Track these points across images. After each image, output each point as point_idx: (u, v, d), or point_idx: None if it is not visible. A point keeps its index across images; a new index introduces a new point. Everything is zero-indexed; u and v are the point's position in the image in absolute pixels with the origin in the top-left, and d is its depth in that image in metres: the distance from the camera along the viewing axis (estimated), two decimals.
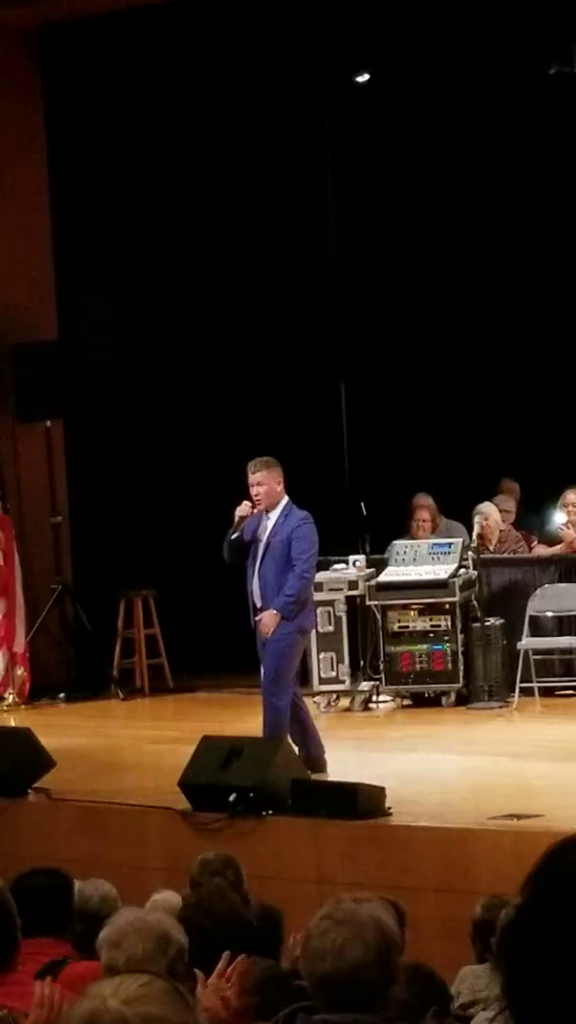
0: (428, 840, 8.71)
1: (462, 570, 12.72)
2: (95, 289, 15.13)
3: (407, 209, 15.12)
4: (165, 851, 9.31)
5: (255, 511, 10.29)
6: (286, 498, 10.36)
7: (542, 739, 11.19)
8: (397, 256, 15.29)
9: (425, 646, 12.60)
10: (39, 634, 14.29)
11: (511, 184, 14.74)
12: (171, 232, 15.21)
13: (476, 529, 12.99)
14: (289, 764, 9.57)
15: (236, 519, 10.32)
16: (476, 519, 13.06)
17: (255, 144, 14.89)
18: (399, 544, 13.13)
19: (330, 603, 12.75)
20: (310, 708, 10.97)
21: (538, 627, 12.59)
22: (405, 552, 13.00)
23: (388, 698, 12.86)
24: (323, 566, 12.12)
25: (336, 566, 12.93)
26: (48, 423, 14.44)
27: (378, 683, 12.75)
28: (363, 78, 14.38)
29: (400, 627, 12.66)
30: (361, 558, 13.00)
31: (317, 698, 12.65)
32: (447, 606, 12.56)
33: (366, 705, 12.80)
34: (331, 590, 12.76)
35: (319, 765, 10.24)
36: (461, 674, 12.49)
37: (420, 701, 12.75)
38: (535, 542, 13.63)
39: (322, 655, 12.72)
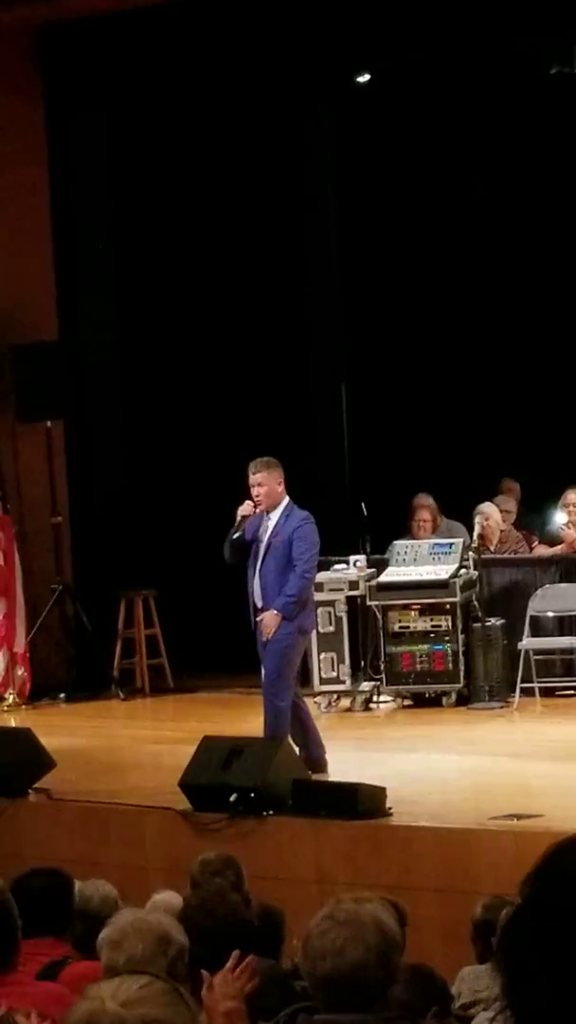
0: (428, 840, 8.71)
1: (463, 570, 12.72)
2: (95, 289, 15.12)
3: (407, 209, 15.12)
4: (165, 851, 9.31)
5: (256, 511, 10.29)
6: (287, 498, 10.35)
7: (542, 739, 11.19)
8: (397, 256, 15.29)
9: (426, 646, 12.59)
10: (39, 634, 14.29)
11: (511, 184, 14.74)
12: (171, 232, 15.21)
13: (477, 529, 12.99)
14: (290, 764, 9.57)
15: (238, 518, 10.31)
16: (477, 519, 13.06)
17: (255, 144, 14.89)
18: (400, 544, 13.13)
19: (331, 603, 12.75)
20: (311, 708, 10.97)
21: (539, 627, 12.59)
22: (406, 552, 12.99)
23: (389, 698, 12.85)
24: (324, 566, 12.12)
25: (337, 566, 12.93)
26: (48, 423, 14.44)
27: (379, 683, 12.75)
28: (363, 78, 14.38)
29: (401, 627, 12.66)
30: (362, 558, 13.00)
31: (318, 698, 12.65)
32: (448, 606, 12.56)
33: (367, 705, 12.80)
34: (332, 590, 12.76)
35: (320, 765, 10.24)
36: (462, 674, 12.48)
37: (421, 701, 12.75)
38: (536, 542, 13.63)
39: (323, 655, 12.72)
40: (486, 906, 6.54)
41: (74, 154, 15.03)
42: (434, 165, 14.92)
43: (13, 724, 12.55)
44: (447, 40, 13.51)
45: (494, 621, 12.54)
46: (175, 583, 14.37)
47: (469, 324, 15.06)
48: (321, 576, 12.04)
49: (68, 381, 14.46)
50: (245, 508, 10.30)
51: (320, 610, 12.25)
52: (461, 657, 12.49)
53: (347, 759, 10.71)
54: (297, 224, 15.41)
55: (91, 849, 9.53)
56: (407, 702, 12.81)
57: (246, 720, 11.45)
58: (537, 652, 12.37)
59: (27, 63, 14.78)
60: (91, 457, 15.13)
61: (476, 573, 12.73)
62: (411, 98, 14.52)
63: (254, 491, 10.26)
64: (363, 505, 13.29)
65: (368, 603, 12.75)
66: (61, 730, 12.16)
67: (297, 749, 10.01)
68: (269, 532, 10.24)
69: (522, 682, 12.22)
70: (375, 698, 12.82)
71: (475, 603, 12.62)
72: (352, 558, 13.00)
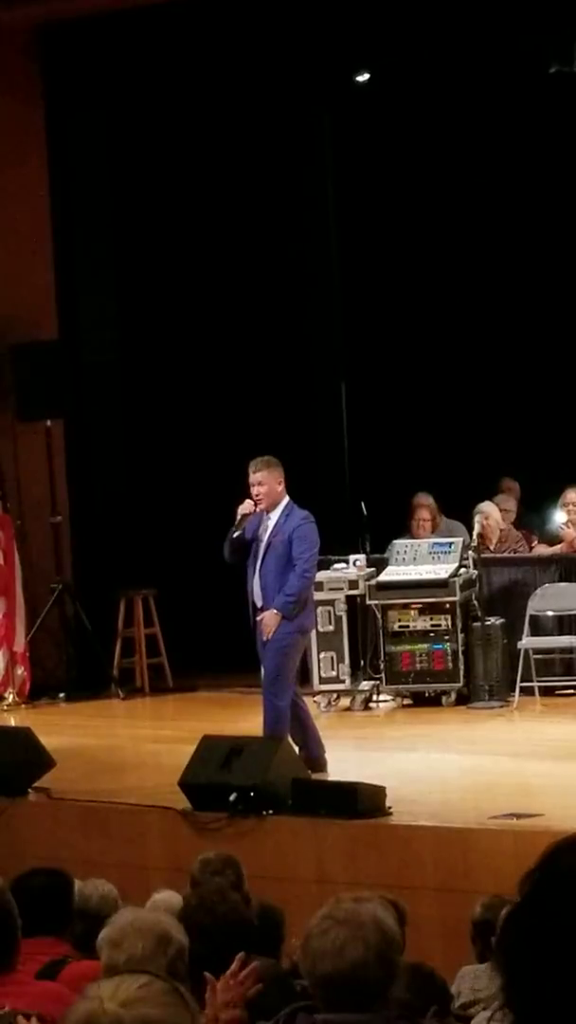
0: (428, 839, 8.72)
1: (462, 569, 12.72)
2: (95, 289, 15.12)
3: (407, 208, 15.12)
4: (165, 851, 9.31)
5: (256, 510, 10.29)
6: (287, 498, 10.35)
7: (542, 738, 11.19)
8: (397, 255, 15.29)
9: (425, 645, 12.60)
10: (39, 634, 14.29)
11: (511, 184, 14.73)
12: (171, 231, 15.21)
13: (476, 528, 12.99)
14: (289, 764, 9.57)
15: (238, 517, 10.32)
16: (476, 518, 13.06)
17: (255, 143, 14.89)
18: (399, 543, 13.13)
19: (330, 602, 12.75)
20: (310, 707, 10.97)
21: (538, 626, 12.59)
22: (405, 551, 13.00)
23: (388, 697, 12.85)
24: (323, 565, 12.12)
25: (336, 565, 12.93)
26: (48, 423, 14.44)
27: (378, 682, 12.75)
28: (363, 77, 14.39)
29: (400, 626, 12.66)
30: (361, 557, 13.01)
31: (317, 697, 12.65)
32: (447, 605, 12.56)
33: (366, 704, 12.80)
34: (331, 589, 12.76)
35: (319, 764, 10.24)
36: (461, 673, 12.49)
37: (420, 700, 12.75)
38: (535, 541, 13.63)
39: (322, 654, 12.73)
40: (486, 905, 6.55)
41: (74, 154, 15.03)
42: (434, 164, 14.92)
43: (13, 723, 12.55)
44: (447, 39, 13.51)
45: (494, 620, 12.54)
46: (175, 582, 14.37)
47: (469, 324, 15.06)
48: (321, 575, 12.04)
49: (68, 380, 14.46)
50: (245, 507, 10.31)
51: (320, 609, 12.25)
52: (461, 656, 12.49)
53: (347, 758, 10.71)
54: (297, 223, 15.41)
55: (91, 848, 9.53)
56: (407, 701, 12.82)
57: (246, 719, 11.45)
58: (537, 651, 12.38)
59: (27, 63, 14.77)
60: (91, 456, 15.13)
61: (476, 572, 12.74)
62: (411, 97, 14.52)
63: (254, 490, 10.26)
64: (363, 504, 13.29)
65: (368, 602, 12.75)
66: (61, 729, 12.17)
67: (297, 748, 10.02)
68: (269, 531, 10.25)
69: (522, 681, 12.22)
70: (375, 697, 12.82)
71: (475, 602, 12.62)
72: (352, 557, 13.00)
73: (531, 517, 14.26)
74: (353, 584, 12.81)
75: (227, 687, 13.72)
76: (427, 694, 12.73)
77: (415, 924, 6.52)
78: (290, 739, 10.06)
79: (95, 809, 9.86)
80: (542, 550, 13.30)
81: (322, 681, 12.78)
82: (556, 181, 14.49)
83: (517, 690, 12.25)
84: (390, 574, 12.82)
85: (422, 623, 12.62)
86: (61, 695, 14.10)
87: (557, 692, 12.46)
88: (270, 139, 14.98)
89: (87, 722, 13.17)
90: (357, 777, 9.48)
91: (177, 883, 6.91)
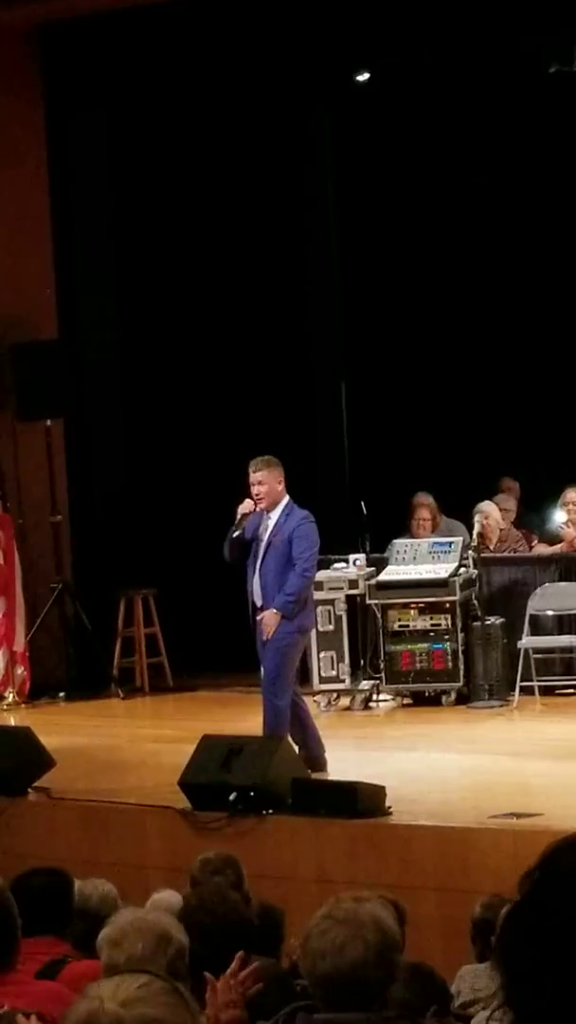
0: (428, 839, 8.72)
1: (462, 569, 12.72)
2: (95, 288, 15.12)
3: (407, 208, 15.12)
4: (165, 850, 9.31)
5: (256, 509, 10.29)
6: (287, 497, 10.36)
7: (542, 738, 11.20)
8: (397, 255, 15.29)
9: (425, 645, 12.60)
10: (39, 633, 14.29)
11: (511, 184, 14.73)
12: (171, 231, 15.21)
13: (476, 528, 12.99)
14: (289, 763, 9.57)
15: (238, 516, 10.32)
16: (476, 518, 13.06)
17: (255, 143, 14.89)
18: (399, 543, 13.14)
19: (330, 602, 12.76)
20: (310, 707, 10.98)
21: (538, 626, 12.59)
22: (405, 551, 13.00)
23: (388, 697, 12.86)
24: (323, 565, 12.12)
25: (336, 565, 12.93)
26: (48, 422, 14.44)
27: (378, 682, 12.75)
28: (363, 77, 14.38)
29: (400, 626, 12.66)
30: (361, 557, 13.01)
31: (317, 697, 12.65)
32: (447, 605, 12.56)
33: (366, 704, 12.80)
34: (331, 589, 12.76)
35: (319, 764, 10.25)
36: (461, 673, 12.49)
37: (420, 700, 12.76)
38: (535, 541, 13.63)
39: (322, 654, 12.73)
40: (485, 905, 6.55)
41: (74, 154, 15.03)
42: (434, 164, 14.92)
43: (13, 723, 12.56)
44: (446, 39, 13.51)
45: (494, 620, 12.54)
46: (175, 582, 14.38)
47: (469, 323, 15.06)
48: (321, 575, 12.04)
49: (68, 380, 14.46)
50: (245, 506, 10.31)
51: (320, 609, 12.25)
52: (461, 656, 12.49)
53: (346, 758, 10.71)
54: (297, 223, 15.40)
55: (91, 848, 9.54)
56: (406, 701, 12.82)
57: (245, 719, 11.45)
58: (537, 651, 12.38)
59: (27, 63, 14.77)
60: (91, 456, 15.13)
61: (476, 572, 12.74)
62: (411, 97, 14.52)
63: (254, 489, 10.27)
64: (363, 504, 13.29)
65: (368, 602, 12.75)
66: (61, 729, 12.17)
67: (296, 748, 10.02)
68: (269, 531, 10.25)
69: (522, 681, 12.23)
70: (374, 697, 12.82)
71: (475, 602, 12.62)
72: (352, 557, 13.00)
73: (531, 517, 14.26)
74: (353, 584, 12.82)
75: (227, 687, 13.72)
76: (427, 694, 12.73)
77: (415, 924, 6.52)
78: (290, 739, 10.06)
79: (95, 809, 9.86)
80: (542, 550, 13.30)
81: (322, 681, 12.78)
82: (556, 181, 14.49)
83: (517, 690, 12.25)
84: (390, 574, 12.82)
85: (422, 623, 12.62)
86: (61, 695, 14.10)
87: (557, 692, 12.46)
88: (270, 139, 14.97)
89: (87, 722, 13.17)
90: (357, 777, 9.48)
91: (177, 883, 6.91)
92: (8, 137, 14.73)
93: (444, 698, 12.59)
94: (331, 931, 3.80)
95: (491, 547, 13.16)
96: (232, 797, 9.17)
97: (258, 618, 10.22)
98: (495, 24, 13.12)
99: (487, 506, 13.27)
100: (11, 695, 13.87)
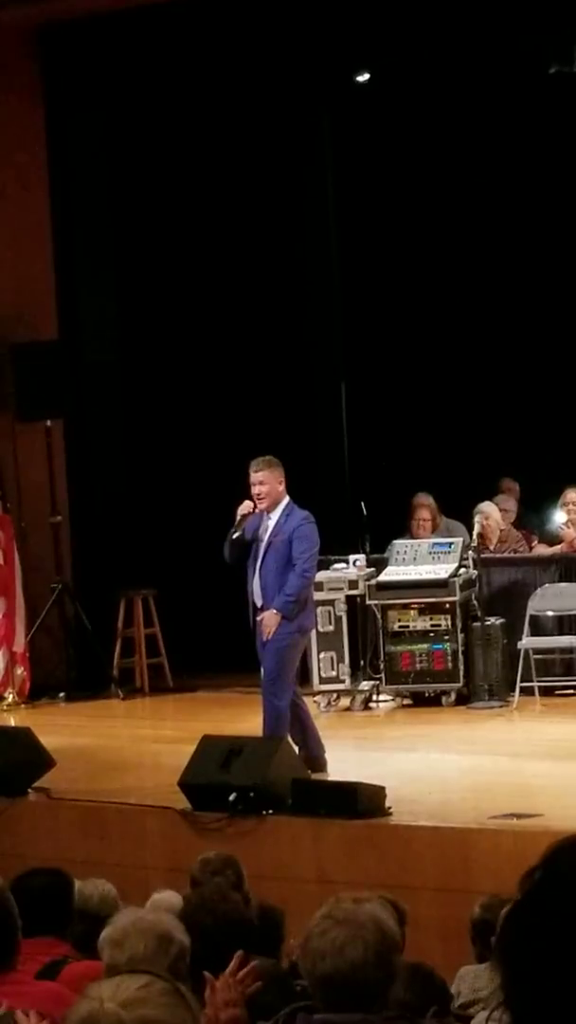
0: (428, 839, 8.72)
1: (462, 569, 12.72)
2: (95, 288, 15.12)
3: (407, 208, 15.12)
4: (165, 851, 9.31)
5: (257, 510, 10.30)
6: (287, 498, 10.36)
7: (542, 738, 11.19)
8: (397, 255, 15.29)
9: (425, 645, 12.60)
10: (39, 634, 14.29)
11: (511, 184, 14.73)
12: (171, 231, 15.21)
13: (476, 528, 12.99)
14: (289, 764, 9.57)
15: (238, 517, 10.32)
16: (476, 518, 13.07)
17: (255, 143, 14.89)
18: (399, 543, 13.14)
19: (330, 602, 12.76)
20: (310, 707, 10.97)
21: (538, 626, 12.59)
22: (405, 551, 13.00)
23: (388, 697, 12.86)
24: (323, 565, 12.12)
25: (336, 565, 12.93)
26: (48, 423, 14.44)
27: (378, 682, 12.75)
28: (363, 77, 14.39)
29: (400, 626, 12.66)
30: (361, 557, 13.01)
31: (317, 697, 12.65)
32: (447, 605, 12.56)
33: (366, 704, 12.80)
34: (331, 589, 12.76)
35: (319, 764, 10.24)
36: (461, 673, 12.49)
37: (420, 700, 12.76)
38: (535, 541, 13.64)
39: (322, 654, 12.73)
40: (485, 905, 6.55)
41: (74, 153, 15.03)
42: (434, 164, 14.92)
43: (13, 723, 12.55)
44: (446, 39, 13.51)
45: (494, 620, 12.54)
46: (175, 583, 14.38)
47: (469, 324, 15.06)
48: (321, 575, 12.04)
49: (68, 380, 14.46)
50: (245, 507, 10.31)
51: (320, 609, 12.25)
52: (460, 656, 12.49)
53: (346, 758, 10.71)
54: (297, 223, 15.40)
55: (91, 848, 9.53)
56: (406, 701, 12.82)
57: (245, 719, 11.45)
58: (536, 651, 12.38)
59: (27, 63, 14.77)
60: (91, 456, 15.12)
61: (476, 572, 12.74)
62: (411, 97, 14.52)
63: (255, 490, 10.27)
64: (363, 504, 13.29)
65: (368, 602, 12.75)
66: (61, 729, 12.17)
67: (296, 748, 10.02)
68: (269, 531, 10.25)
69: (521, 681, 12.23)
70: (374, 697, 12.82)
71: (475, 602, 12.63)
72: (352, 557, 13.01)
73: (531, 517, 14.27)
74: (353, 584, 12.82)
75: (227, 687, 13.72)
76: (427, 694, 12.73)
77: (415, 924, 6.52)
78: (290, 739, 10.06)
79: (95, 809, 9.86)
80: (542, 550, 13.30)
81: (322, 681, 12.78)
82: (556, 181, 14.49)
83: (517, 690, 12.25)
84: (390, 574, 12.82)
85: (422, 623, 12.62)
86: (61, 695, 14.10)
87: (557, 692, 12.46)
88: (270, 139, 14.97)
89: (87, 722, 13.17)
90: (357, 777, 9.47)
91: (177, 883, 6.91)
92: (8, 137, 14.73)
93: (444, 699, 12.59)
94: (331, 931, 3.80)
95: (491, 548, 13.16)
96: (232, 797, 9.17)
97: (258, 618, 10.22)
98: (495, 24, 13.13)
99: (487, 507, 13.27)
100: (11, 695, 13.87)
